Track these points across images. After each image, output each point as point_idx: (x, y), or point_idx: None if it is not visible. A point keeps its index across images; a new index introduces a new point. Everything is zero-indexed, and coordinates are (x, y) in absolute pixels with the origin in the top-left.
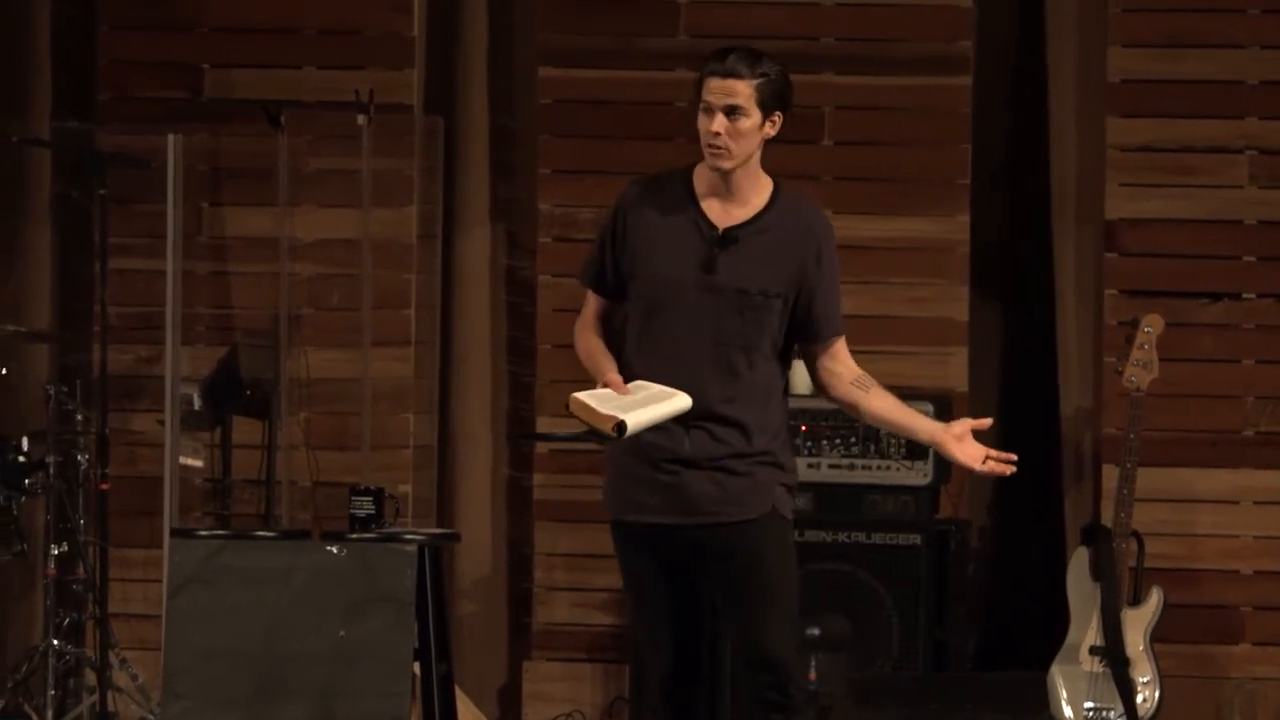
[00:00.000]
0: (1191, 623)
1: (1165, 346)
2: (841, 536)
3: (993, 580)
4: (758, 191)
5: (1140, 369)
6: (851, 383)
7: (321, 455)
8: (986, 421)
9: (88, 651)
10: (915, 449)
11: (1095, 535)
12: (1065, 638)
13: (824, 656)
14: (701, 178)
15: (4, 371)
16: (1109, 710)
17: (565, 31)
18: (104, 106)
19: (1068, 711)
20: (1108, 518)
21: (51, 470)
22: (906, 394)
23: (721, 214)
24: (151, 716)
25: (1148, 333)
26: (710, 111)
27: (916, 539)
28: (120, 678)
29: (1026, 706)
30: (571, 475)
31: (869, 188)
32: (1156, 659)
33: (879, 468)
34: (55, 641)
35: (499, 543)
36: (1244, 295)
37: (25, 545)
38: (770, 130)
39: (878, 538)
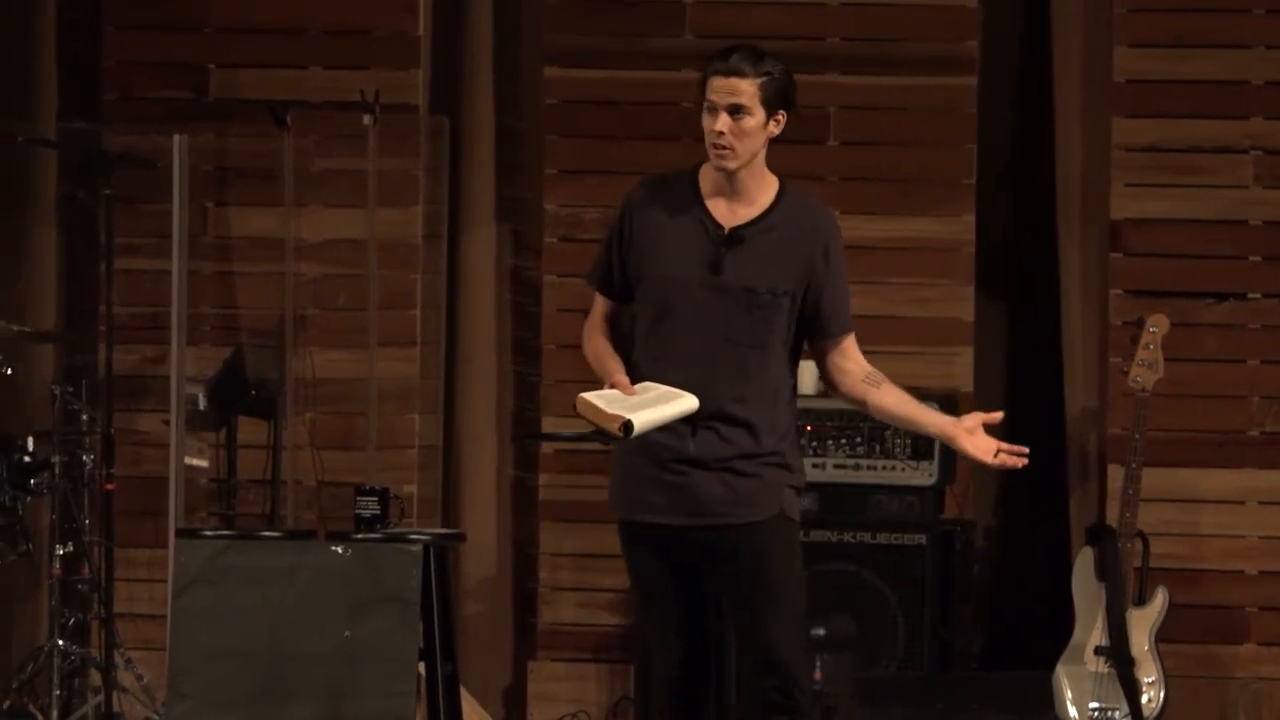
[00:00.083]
0: (1196, 623)
1: (1170, 346)
2: (846, 536)
3: (998, 580)
4: (763, 190)
5: (1145, 369)
6: (862, 379)
7: (327, 455)
8: (997, 415)
9: (93, 651)
10: (921, 449)
11: (1100, 535)
12: (1070, 638)
13: (829, 656)
14: (707, 177)
15: (10, 371)
16: (1114, 710)
17: (571, 32)
18: (109, 107)
19: (1073, 712)
20: (1113, 518)
21: (57, 470)
22: (911, 394)
23: (728, 213)
24: (156, 716)
25: (1153, 333)
26: (714, 111)
27: (922, 539)
28: (125, 678)
29: (1031, 707)
30: (577, 475)
31: (874, 188)
32: (1161, 659)
33: (884, 468)
34: (60, 641)
35: (504, 543)
36: (1249, 295)
37: (30, 545)
38: (774, 129)
39: (883, 538)
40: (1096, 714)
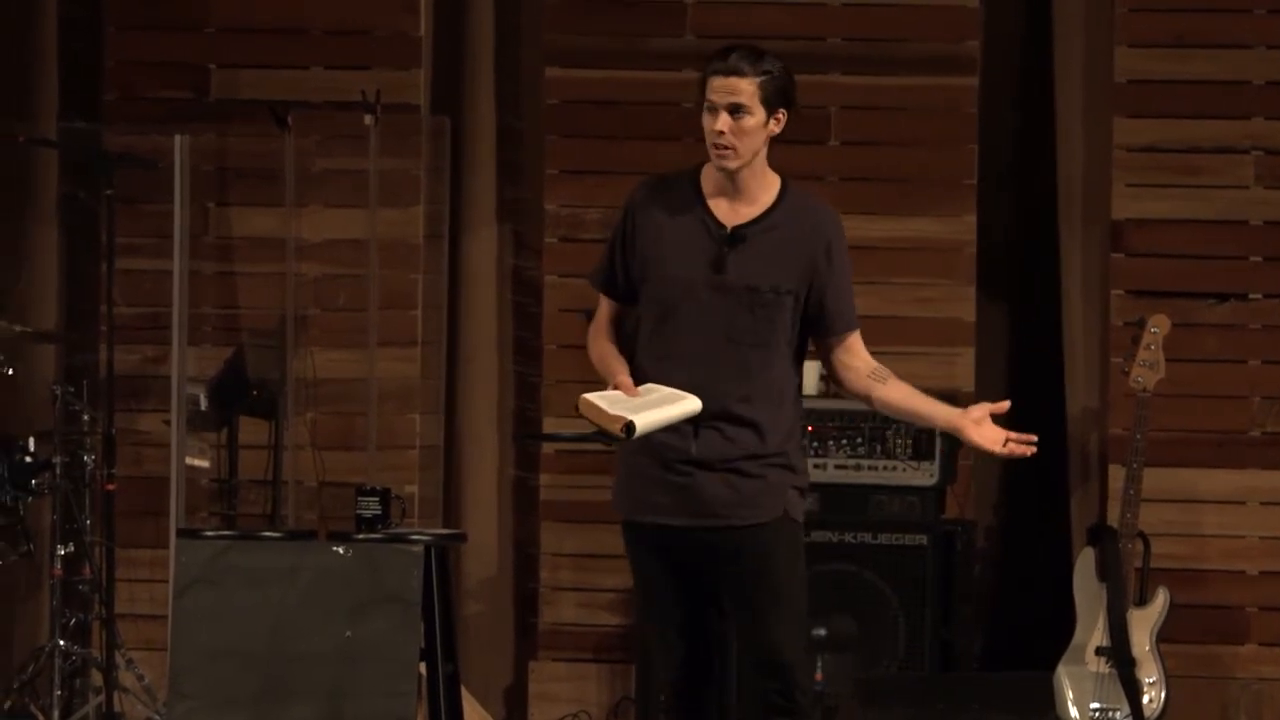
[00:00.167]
0: (1197, 623)
1: (1171, 347)
2: (848, 537)
3: (999, 581)
4: (765, 189)
5: (1146, 369)
6: (868, 375)
7: (327, 455)
8: (1004, 405)
9: (94, 652)
10: (922, 449)
11: (1101, 536)
12: (1071, 638)
13: (830, 657)
14: (709, 177)
15: (11, 372)
16: (1115, 711)
17: (571, 32)
18: (110, 107)
19: (1074, 712)
20: (1114, 518)
21: (58, 470)
22: None
23: (730, 213)
24: (157, 717)
25: (1154, 333)
26: (714, 110)
27: (923, 539)
28: (126, 678)
29: (1033, 707)
30: (578, 476)
31: (875, 188)
32: (1162, 659)
33: (885, 468)
34: (61, 642)
35: (505, 543)
36: (1250, 295)
37: (31, 545)
38: (775, 127)
39: (884, 538)
40: (1097, 714)
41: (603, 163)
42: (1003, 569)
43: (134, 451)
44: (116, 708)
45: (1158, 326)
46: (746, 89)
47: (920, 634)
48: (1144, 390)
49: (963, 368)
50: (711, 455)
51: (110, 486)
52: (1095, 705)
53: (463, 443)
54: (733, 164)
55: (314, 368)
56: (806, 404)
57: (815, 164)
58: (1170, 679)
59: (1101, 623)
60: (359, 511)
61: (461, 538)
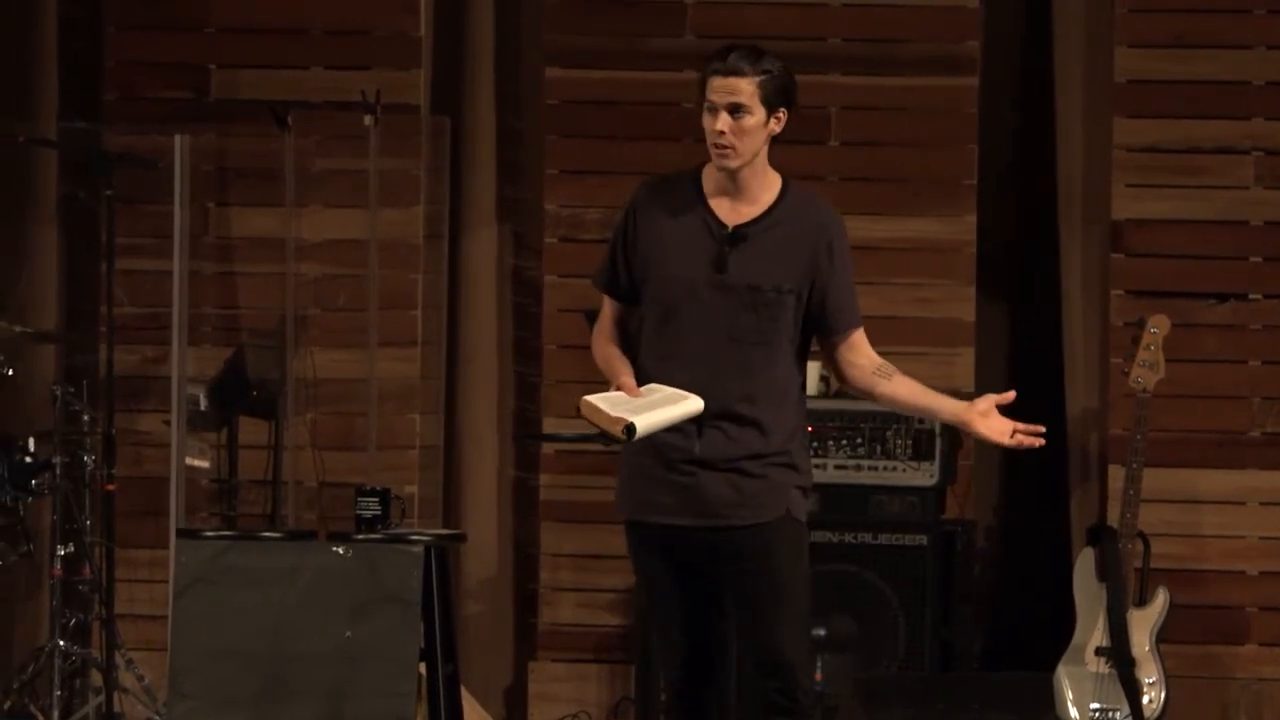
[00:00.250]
0: (1197, 623)
1: (1171, 347)
2: (848, 537)
3: (999, 581)
4: (766, 189)
5: (1146, 370)
6: (873, 372)
7: (327, 456)
8: (1009, 395)
9: (94, 652)
10: (922, 450)
11: (1101, 536)
12: (1071, 638)
13: (830, 657)
14: (710, 177)
15: (11, 372)
16: (1115, 711)
17: (572, 32)
18: (110, 107)
19: (1073, 712)
20: (1114, 518)
21: (58, 471)
22: None
23: (731, 212)
24: (157, 717)
25: (1154, 333)
26: (714, 111)
27: (923, 539)
28: (126, 678)
29: (1032, 707)
30: (577, 476)
31: (875, 188)
32: (1162, 660)
33: (885, 468)
34: (61, 642)
35: (505, 543)
36: (1250, 296)
37: (31, 546)
38: (775, 127)
39: (884, 538)
40: (1097, 714)
41: (603, 163)
42: (1003, 569)
43: (134, 451)
44: (116, 708)
45: (1157, 327)
46: (746, 89)
47: (920, 634)
48: (1144, 390)
49: (962, 368)
50: (714, 455)
51: (110, 486)
52: (1095, 705)
53: (463, 443)
54: (733, 163)
55: (314, 368)
56: (808, 405)
57: (815, 164)
58: (1170, 679)
59: (1101, 623)
60: (359, 512)
61: (461, 538)
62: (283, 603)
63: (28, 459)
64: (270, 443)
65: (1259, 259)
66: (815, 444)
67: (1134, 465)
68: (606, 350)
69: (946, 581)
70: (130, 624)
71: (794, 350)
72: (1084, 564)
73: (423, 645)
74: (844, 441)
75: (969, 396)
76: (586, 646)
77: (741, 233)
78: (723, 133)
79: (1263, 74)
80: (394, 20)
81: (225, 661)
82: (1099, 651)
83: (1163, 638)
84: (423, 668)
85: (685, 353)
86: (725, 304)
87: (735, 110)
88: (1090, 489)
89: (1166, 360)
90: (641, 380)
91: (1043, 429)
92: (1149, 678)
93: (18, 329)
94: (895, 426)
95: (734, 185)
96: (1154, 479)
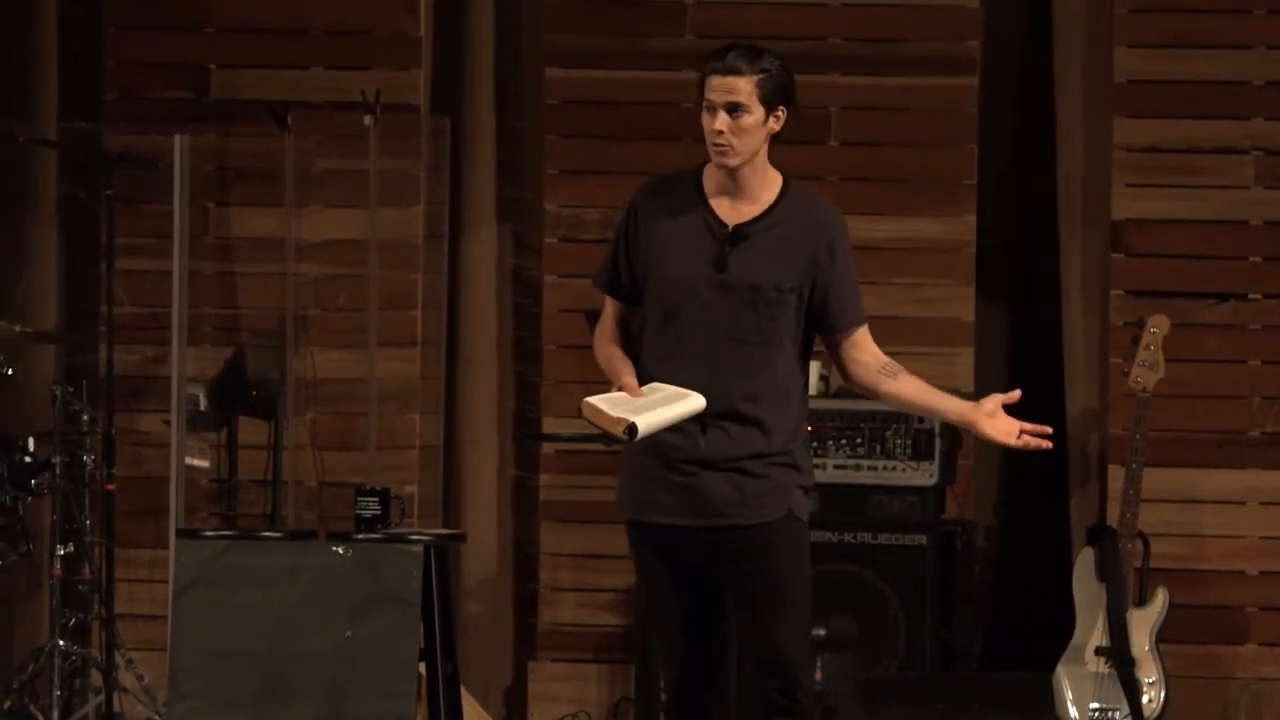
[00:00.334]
0: (1197, 623)
1: (1171, 347)
2: (847, 537)
3: (999, 581)
4: (767, 188)
5: (1146, 369)
6: (878, 371)
7: (327, 456)
8: (1015, 395)
9: (93, 652)
10: (921, 449)
11: (1101, 536)
12: (1071, 638)
13: (830, 657)
14: (710, 177)
15: (10, 372)
16: (1114, 711)
17: (571, 32)
18: (110, 107)
19: (1073, 712)
20: (1113, 518)
21: (58, 471)
22: None
23: (731, 211)
24: (157, 717)
25: (1154, 333)
26: (713, 110)
27: (922, 539)
28: (126, 678)
29: (1032, 707)
30: (577, 476)
31: (875, 188)
32: (1162, 659)
33: (885, 468)
34: (61, 642)
35: (505, 543)
36: (1250, 296)
37: (31, 546)
38: (775, 125)
39: (884, 538)
40: (1097, 714)
41: (603, 163)
42: (1003, 569)
43: (134, 451)
44: (116, 708)
45: (1157, 326)
46: (744, 87)
47: (920, 634)
48: (1144, 390)
49: (962, 368)
50: (716, 454)
51: (110, 486)
52: (1095, 705)
53: (463, 443)
54: (732, 162)
55: (314, 368)
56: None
57: (815, 164)
58: (1170, 679)
59: (1101, 623)
60: (359, 511)
61: (461, 538)
62: (283, 603)
63: (28, 459)
64: (270, 443)
65: (1259, 259)
66: (815, 444)
67: (1134, 465)
68: (608, 351)
69: (946, 581)
70: (130, 624)
71: (796, 349)
72: (1084, 564)
73: (423, 645)
74: (844, 441)
75: (969, 396)
76: (586, 646)
77: (742, 232)
78: (721, 131)
79: (1263, 74)
80: (394, 20)
81: (225, 661)
82: (1099, 651)
83: (1163, 638)
84: (423, 668)
85: (686, 352)
86: (726, 303)
87: (733, 109)
88: (1090, 489)
89: (1166, 360)
90: (643, 380)
91: (1050, 430)
92: (1149, 678)
93: (18, 329)
94: (895, 426)
95: (734, 184)
96: (1154, 479)
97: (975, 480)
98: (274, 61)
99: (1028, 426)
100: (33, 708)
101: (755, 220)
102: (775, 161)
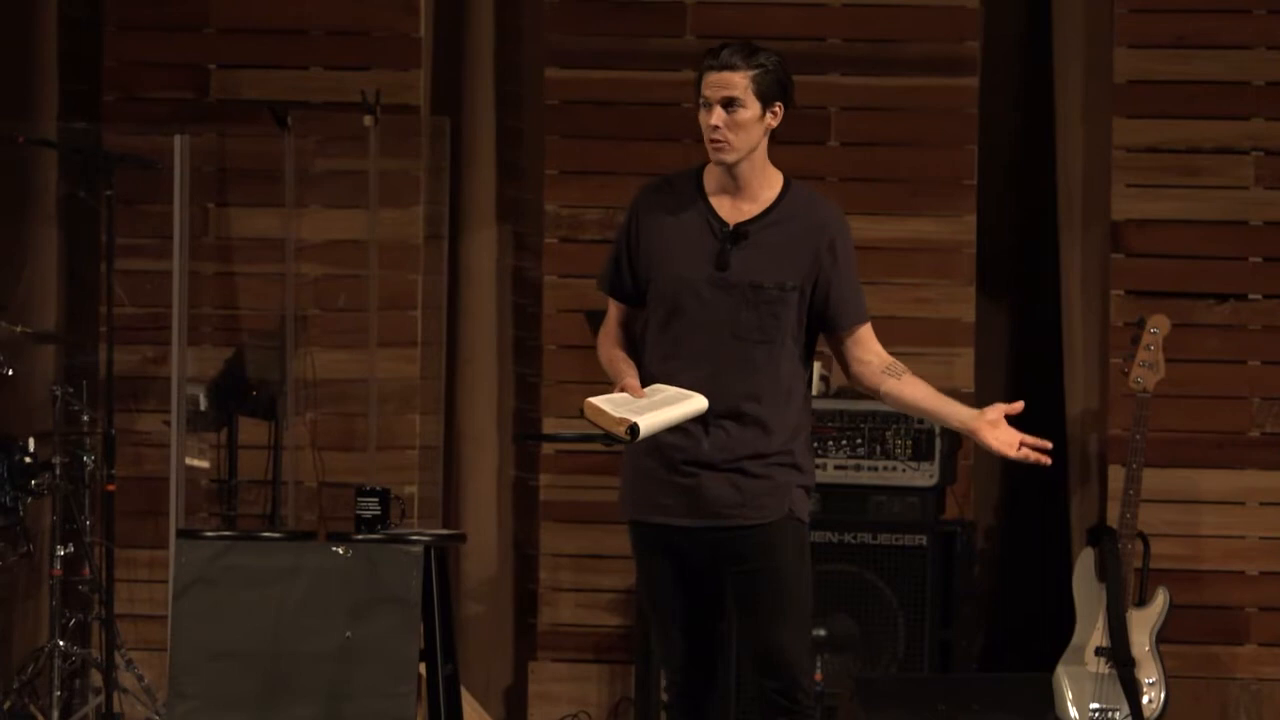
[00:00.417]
0: (1197, 623)
1: (1171, 347)
2: (847, 537)
3: (998, 581)
4: (767, 186)
5: (1146, 370)
6: (882, 370)
7: (327, 456)
8: (1018, 405)
9: (93, 652)
10: (921, 450)
11: (1101, 536)
12: (1071, 638)
13: (830, 657)
14: (711, 176)
15: (10, 372)
16: (1115, 711)
17: (572, 32)
18: (110, 107)
19: (1073, 712)
20: (1113, 519)
21: (58, 471)
22: None
23: (732, 210)
24: (157, 717)
25: (1154, 333)
26: (709, 106)
27: (922, 540)
28: (126, 678)
29: (1032, 707)
30: (577, 476)
31: (875, 188)
32: (1162, 660)
33: (885, 469)
34: (61, 642)
35: (505, 543)
36: (1250, 296)
37: (31, 546)
38: (772, 121)
39: (884, 539)
40: (1097, 715)
41: (603, 163)
42: (1002, 569)
43: (134, 452)
44: (116, 708)
45: (1157, 327)
46: (739, 82)
47: (920, 634)
48: (1144, 390)
49: (962, 368)
50: (717, 455)
51: (110, 487)
52: (1095, 706)
53: (463, 443)
54: (729, 157)
55: (314, 368)
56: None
57: (815, 164)
58: (1170, 679)
59: (1101, 623)
60: (359, 512)
61: (461, 538)
62: (282, 603)
63: (28, 459)
64: (270, 443)
65: (1259, 259)
66: (815, 444)
67: (1134, 465)
68: (611, 353)
69: (946, 582)
70: (130, 624)
71: (798, 349)
72: (1084, 564)
73: (422, 645)
74: (844, 441)
75: (969, 396)
76: (586, 646)
77: (743, 230)
78: (717, 126)
79: (1263, 74)
80: (394, 20)
81: (225, 662)
82: (1099, 652)
83: (1163, 638)
84: (423, 668)
85: (688, 352)
86: (727, 302)
87: (729, 104)
88: (1090, 489)
89: (1166, 360)
90: (646, 380)
91: (1050, 445)
92: (1149, 678)
93: (18, 329)
94: (895, 427)
95: (735, 183)
96: (1154, 479)
97: (975, 480)
98: (274, 61)
99: (1029, 440)
100: (33, 708)
101: (756, 219)
102: (775, 162)
